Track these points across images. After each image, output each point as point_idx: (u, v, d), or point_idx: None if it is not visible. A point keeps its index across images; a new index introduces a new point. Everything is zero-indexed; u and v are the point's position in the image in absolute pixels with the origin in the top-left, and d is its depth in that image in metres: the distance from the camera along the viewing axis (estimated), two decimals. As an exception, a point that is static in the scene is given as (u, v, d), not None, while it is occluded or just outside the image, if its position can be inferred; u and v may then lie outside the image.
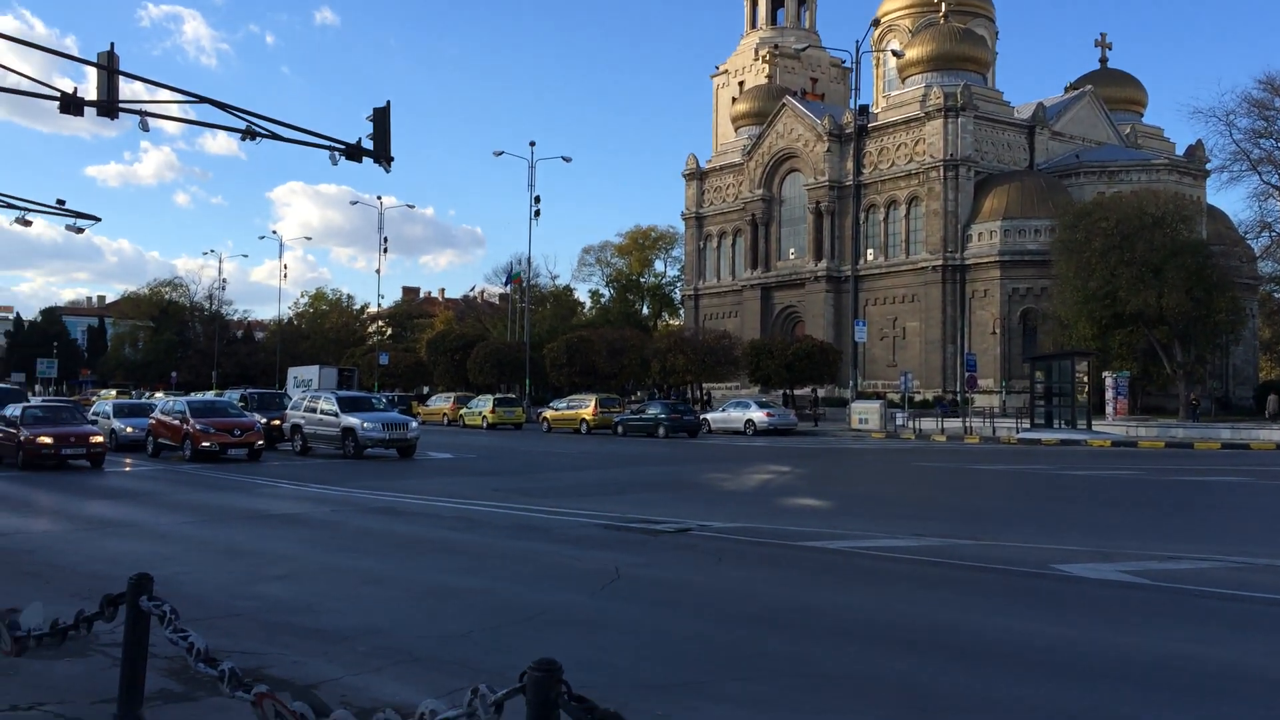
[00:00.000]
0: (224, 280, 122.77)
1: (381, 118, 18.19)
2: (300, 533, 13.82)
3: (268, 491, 19.39)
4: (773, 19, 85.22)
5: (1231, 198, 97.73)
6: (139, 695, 4.96)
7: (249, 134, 17.18)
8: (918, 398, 55.90)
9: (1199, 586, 9.46)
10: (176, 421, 27.14)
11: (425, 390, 74.21)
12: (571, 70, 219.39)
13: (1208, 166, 58.03)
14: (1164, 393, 51.79)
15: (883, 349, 65.59)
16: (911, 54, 67.37)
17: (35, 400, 37.76)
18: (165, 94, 18.66)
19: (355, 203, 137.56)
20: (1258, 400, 56.14)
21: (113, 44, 16.13)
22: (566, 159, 71.32)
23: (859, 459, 30.88)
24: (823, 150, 69.60)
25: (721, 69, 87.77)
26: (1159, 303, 44.42)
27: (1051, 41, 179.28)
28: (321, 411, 29.40)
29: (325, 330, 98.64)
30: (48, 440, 23.55)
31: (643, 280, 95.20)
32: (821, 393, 59.67)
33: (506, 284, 78.71)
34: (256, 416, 29.85)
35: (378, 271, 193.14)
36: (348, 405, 29.22)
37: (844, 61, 75.29)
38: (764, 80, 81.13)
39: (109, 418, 31.48)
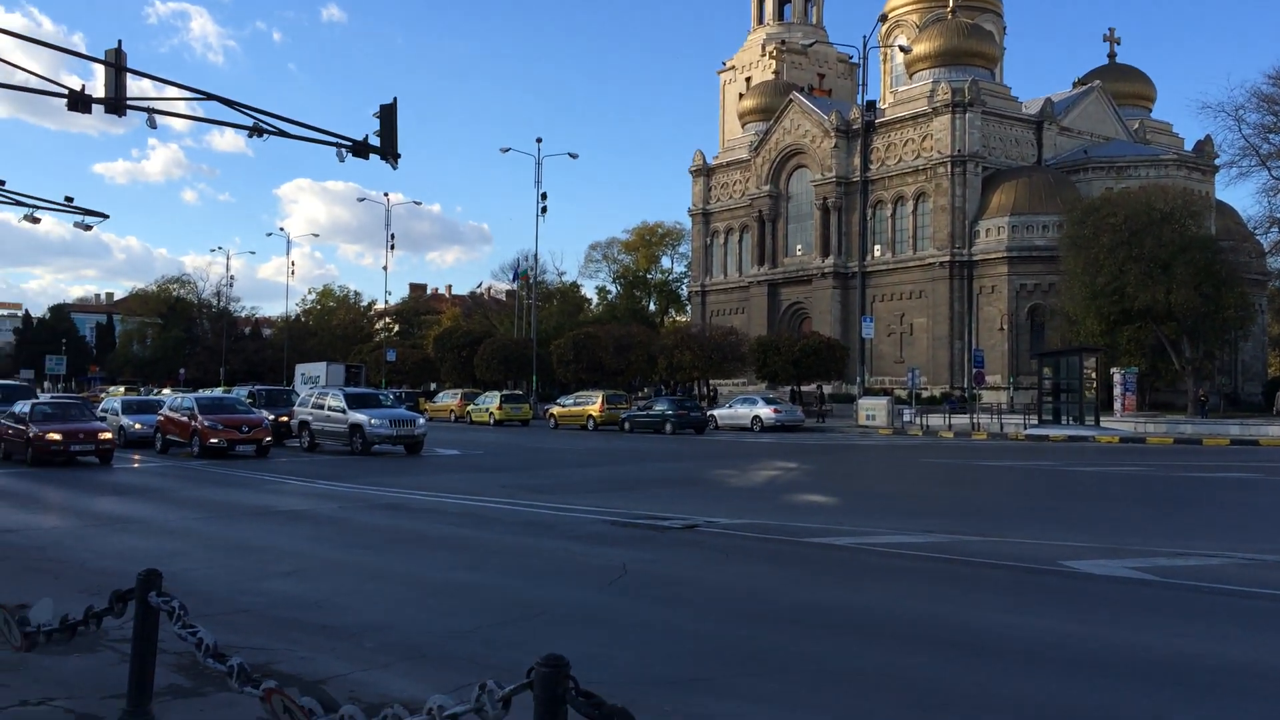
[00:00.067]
0: (232, 277, 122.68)
1: (388, 114, 18.17)
2: (308, 529, 13.85)
3: (275, 488, 19.42)
4: (780, 15, 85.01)
5: (1240, 193, 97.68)
6: (148, 690, 4.98)
7: (256, 131, 17.17)
8: (925, 394, 55.77)
9: (1208, 583, 9.44)
10: (185, 418, 27.21)
11: (432, 387, 74.29)
12: (578, 67, 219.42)
13: (1216, 162, 57.82)
14: (1172, 389, 51.63)
15: (890, 345, 65.44)
16: (919, 49, 67.11)
17: (44, 397, 37.89)
18: (173, 91, 18.70)
19: (362, 199, 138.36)
20: (1267, 396, 55.98)
21: (120, 41, 16.12)
22: (573, 155, 70.83)
23: (866, 455, 30.83)
24: (830, 146, 69.43)
25: (728, 65, 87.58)
26: (1167, 298, 44.29)
27: (1059, 37, 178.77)
28: (329, 408, 29.50)
29: (333, 327, 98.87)
30: (56, 436, 23.64)
31: (649, 277, 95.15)
32: (828, 389, 59.57)
33: (514, 279, 78.67)
34: (264, 413, 29.93)
35: (385, 268, 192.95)
36: (355, 402, 29.30)
37: (851, 57, 75.19)
38: (771, 76, 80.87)
39: (117, 414, 31.65)
